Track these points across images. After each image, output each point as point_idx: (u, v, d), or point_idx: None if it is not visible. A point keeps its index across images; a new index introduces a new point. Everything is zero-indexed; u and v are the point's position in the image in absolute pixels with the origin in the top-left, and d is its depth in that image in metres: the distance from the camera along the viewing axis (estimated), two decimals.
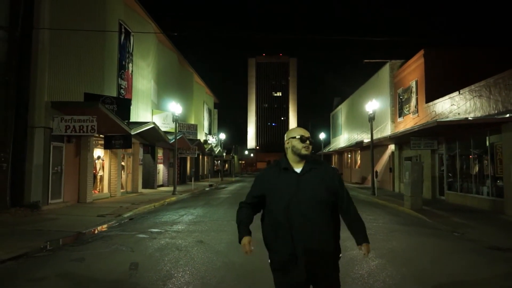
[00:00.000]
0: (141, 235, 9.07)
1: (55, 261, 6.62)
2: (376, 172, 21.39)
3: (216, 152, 42.91)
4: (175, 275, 5.78)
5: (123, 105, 16.98)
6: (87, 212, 12.81)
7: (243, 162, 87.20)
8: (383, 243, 8.29)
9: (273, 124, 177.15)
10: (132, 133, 16.87)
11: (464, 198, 16.02)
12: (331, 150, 46.75)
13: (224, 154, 51.71)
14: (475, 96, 15.05)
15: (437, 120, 14.44)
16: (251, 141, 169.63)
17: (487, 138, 14.26)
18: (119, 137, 16.30)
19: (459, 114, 16.16)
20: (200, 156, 39.64)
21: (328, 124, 54.21)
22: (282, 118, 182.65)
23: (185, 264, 6.39)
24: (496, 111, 13.60)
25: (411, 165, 14.48)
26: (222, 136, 45.03)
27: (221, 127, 52.78)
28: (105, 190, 18.68)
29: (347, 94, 41.19)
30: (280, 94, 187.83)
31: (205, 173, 41.85)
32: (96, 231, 9.69)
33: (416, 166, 14.42)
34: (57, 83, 13.86)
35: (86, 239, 8.59)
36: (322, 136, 42.99)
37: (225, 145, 54.95)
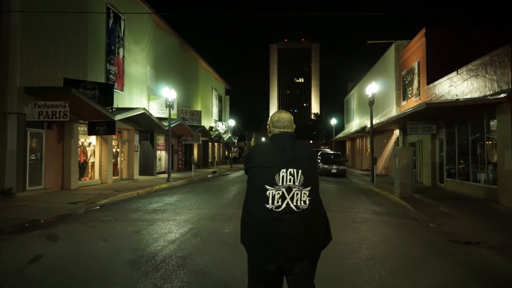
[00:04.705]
0: (85, 225, 8.73)
1: None
2: (376, 158, 20.45)
3: (225, 139, 42.45)
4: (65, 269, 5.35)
5: (106, 90, 16.66)
6: (63, 199, 12.61)
7: None
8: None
9: (295, 110, 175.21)
10: (117, 119, 16.58)
11: (461, 186, 15.00)
12: (341, 136, 45.52)
13: (236, 141, 51.22)
14: (472, 76, 13.90)
15: (426, 102, 13.42)
16: None
17: (484, 121, 13.18)
18: (103, 123, 16.03)
19: (456, 95, 15.05)
20: (210, 143, 39.33)
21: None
22: (305, 105, 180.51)
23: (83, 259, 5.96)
24: (491, 91, 12.49)
25: (400, 150, 13.59)
26: (232, 122, 44.42)
27: (239, 115, 51.97)
28: (96, 176, 18.58)
29: (360, 78, 39.86)
30: (302, 80, 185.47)
31: (216, 160, 41.57)
32: (53, 219, 9.41)
33: (405, 152, 13.52)
34: (31, 68, 13.61)
35: (26, 228, 8.31)
36: (333, 122, 41.86)
37: (239, 132, 54.31)
